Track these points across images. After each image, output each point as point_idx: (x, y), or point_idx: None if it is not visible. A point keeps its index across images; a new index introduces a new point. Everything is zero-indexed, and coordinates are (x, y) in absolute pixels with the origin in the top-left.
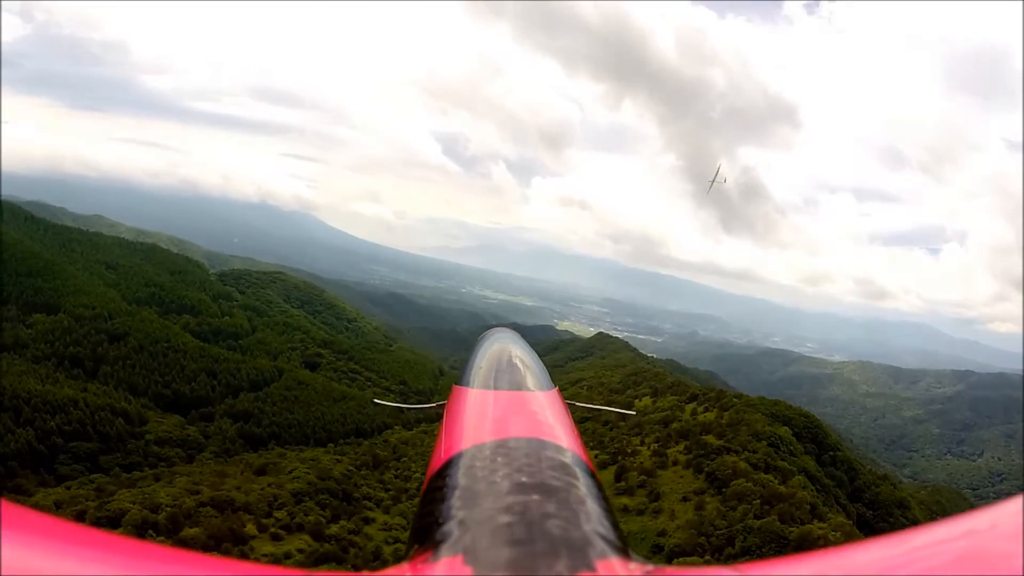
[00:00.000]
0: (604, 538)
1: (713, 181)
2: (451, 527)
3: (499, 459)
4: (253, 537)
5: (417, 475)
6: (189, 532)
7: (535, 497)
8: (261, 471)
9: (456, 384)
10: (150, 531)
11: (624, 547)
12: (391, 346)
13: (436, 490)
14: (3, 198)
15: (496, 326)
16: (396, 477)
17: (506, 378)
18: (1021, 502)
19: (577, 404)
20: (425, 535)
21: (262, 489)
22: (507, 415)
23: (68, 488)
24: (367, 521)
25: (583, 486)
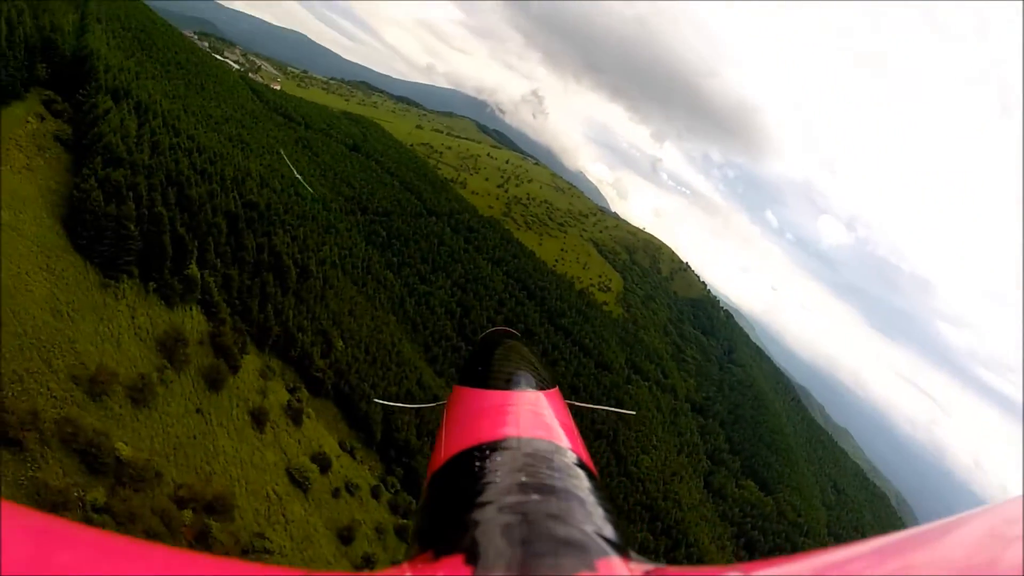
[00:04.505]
0: (604, 538)
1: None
2: (451, 527)
3: (499, 459)
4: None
5: None
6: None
7: (535, 497)
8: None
9: (456, 384)
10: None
11: (624, 546)
12: None
13: (436, 490)
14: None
15: (496, 327)
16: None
17: (506, 378)
18: (1021, 502)
19: (577, 404)
20: (425, 535)
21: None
22: (507, 415)
23: None
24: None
25: (583, 486)
